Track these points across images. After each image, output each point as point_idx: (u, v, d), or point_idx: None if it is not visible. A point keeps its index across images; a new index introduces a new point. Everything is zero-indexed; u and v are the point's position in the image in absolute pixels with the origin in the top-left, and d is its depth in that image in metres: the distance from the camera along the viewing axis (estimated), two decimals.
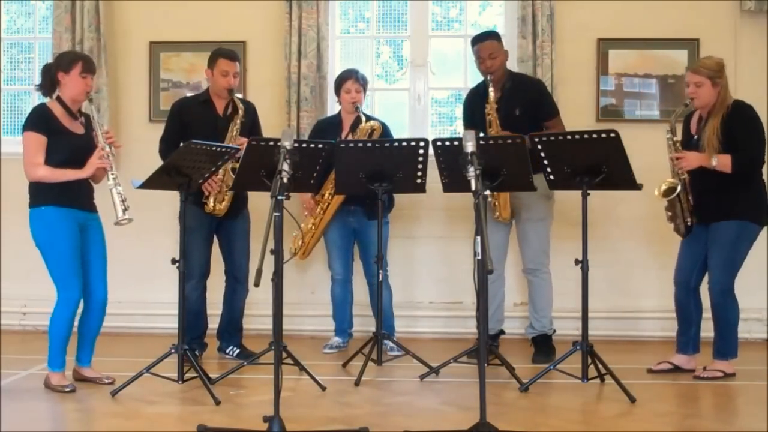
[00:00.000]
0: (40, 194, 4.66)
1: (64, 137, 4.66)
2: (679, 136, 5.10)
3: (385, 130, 5.72)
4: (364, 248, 5.77)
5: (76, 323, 4.79)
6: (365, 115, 5.70)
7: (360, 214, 5.66)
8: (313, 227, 5.74)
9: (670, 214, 5.11)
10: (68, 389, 4.64)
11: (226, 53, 5.41)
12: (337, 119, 5.84)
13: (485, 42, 5.45)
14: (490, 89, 5.34)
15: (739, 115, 4.94)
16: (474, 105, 5.57)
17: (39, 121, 4.65)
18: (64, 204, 4.64)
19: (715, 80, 4.94)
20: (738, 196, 4.93)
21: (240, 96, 5.58)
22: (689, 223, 5.06)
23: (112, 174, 4.60)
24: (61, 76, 4.69)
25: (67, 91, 4.70)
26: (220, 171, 5.17)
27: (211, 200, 5.30)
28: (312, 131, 5.96)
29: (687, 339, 5.16)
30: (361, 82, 5.71)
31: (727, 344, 5.03)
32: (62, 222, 4.62)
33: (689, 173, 4.98)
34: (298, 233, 5.65)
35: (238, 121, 5.33)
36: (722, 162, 4.88)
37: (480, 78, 5.56)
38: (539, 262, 5.52)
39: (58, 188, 4.63)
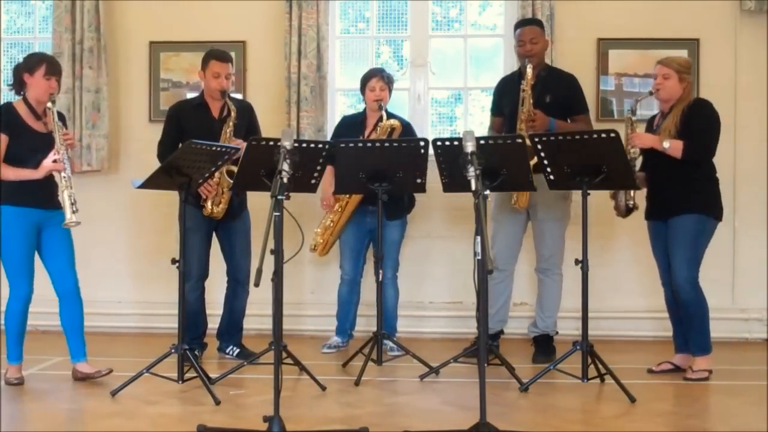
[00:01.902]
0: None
1: (26, 134, 4.73)
2: (638, 120, 5.16)
3: (407, 129, 5.70)
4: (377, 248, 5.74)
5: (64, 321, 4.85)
6: (389, 113, 5.68)
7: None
8: (332, 224, 5.73)
9: (612, 191, 5.16)
10: (15, 382, 4.76)
11: (217, 54, 5.38)
12: (361, 117, 5.83)
13: (529, 26, 5.52)
14: (529, 67, 5.35)
15: (700, 110, 5.01)
16: (504, 89, 5.62)
17: (1, 119, 4.73)
18: (21, 203, 4.71)
19: (682, 75, 5.00)
20: (694, 190, 4.95)
21: (239, 96, 5.57)
22: (631, 206, 5.11)
23: (65, 176, 4.64)
24: (26, 77, 4.77)
25: (32, 92, 4.77)
26: (216, 174, 5.18)
27: (209, 203, 5.29)
28: (336, 127, 5.94)
29: (685, 338, 5.16)
30: (386, 80, 5.70)
31: (703, 339, 5.00)
32: (17, 221, 4.71)
33: (648, 168, 5.03)
34: (319, 230, 5.67)
35: (231, 123, 5.30)
36: (674, 146, 4.90)
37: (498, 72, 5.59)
38: (552, 263, 5.51)
39: (15, 188, 4.69)
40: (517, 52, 5.55)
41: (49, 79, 4.74)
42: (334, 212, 5.72)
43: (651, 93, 5.12)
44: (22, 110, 4.76)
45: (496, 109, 5.69)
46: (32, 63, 4.78)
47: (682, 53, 6.04)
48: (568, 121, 5.44)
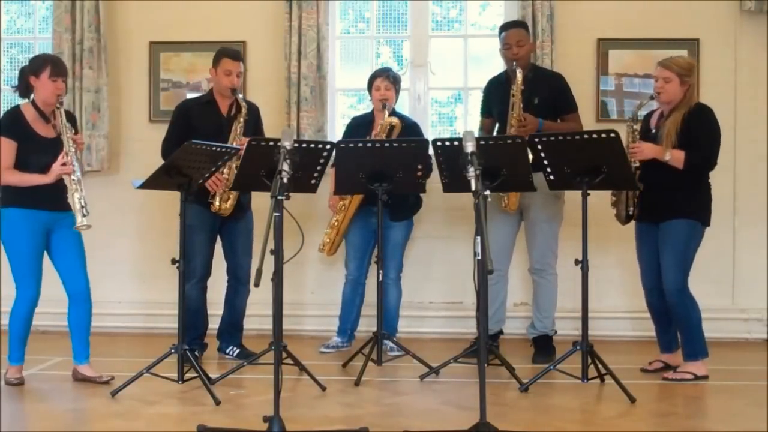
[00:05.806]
0: (7, 196, 4.75)
1: (34, 142, 4.72)
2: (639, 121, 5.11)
3: (414, 129, 5.68)
4: (382, 248, 5.72)
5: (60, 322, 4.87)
6: (396, 113, 5.69)
7: (384, 216, 5.60)
8: (336, 223, 5.73)
9: (614, 199, 5.16)
10: (15, 382, 4.76)
11: (229, 53, 5.42)
12: (369, 117, 5.83)
13: (514, 29, 5.51)
14: (518, 72, 5.33)
15: (701, 116, 4.94)
16: (493, 92, 5.63)
17: (10, 125, 4.73)
18: (29, 206, 4.71)
19: (684, 78, 4.94)
20: (687, 195, 4.91)
21: (242, 96, 5.58)
22: (630, 213, 5.09)
23: (74, 179, 4.63)
24: (32, 80, 4.76)
25: (39, 94, 4.76)
26: (226, 170, 5.18)
27: (217, 199, 5.30)
28: (345, 128, 5.94)
29: (669, 338, 5.17)
30: (392, 80, 5.69)
31: (693, 345, 4.98)
32: (24, 223, 4.70)
33: (642, 169, 4.98)
34: (328, 229, 5.69)
35: (242, 120, 5.32)
36: (675, 157, 4.86)
37: (489, 72, 5.61)
38: (546, 263, 5.51)
39: (24, 190, 4.69)
40: (504, 56, 5.52)
41: (55, 80, 4.72)
42: (338, 211, 5.72)
43: (652, 97, 5.07)
44: (30, 114, 4.75)
45: (486, 111, 5.71)
46: (37, 65, 4.76)
47: (682, 53, 6.03)
48: (558, 120, 5.45)
